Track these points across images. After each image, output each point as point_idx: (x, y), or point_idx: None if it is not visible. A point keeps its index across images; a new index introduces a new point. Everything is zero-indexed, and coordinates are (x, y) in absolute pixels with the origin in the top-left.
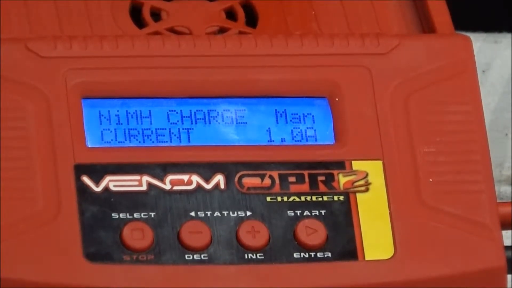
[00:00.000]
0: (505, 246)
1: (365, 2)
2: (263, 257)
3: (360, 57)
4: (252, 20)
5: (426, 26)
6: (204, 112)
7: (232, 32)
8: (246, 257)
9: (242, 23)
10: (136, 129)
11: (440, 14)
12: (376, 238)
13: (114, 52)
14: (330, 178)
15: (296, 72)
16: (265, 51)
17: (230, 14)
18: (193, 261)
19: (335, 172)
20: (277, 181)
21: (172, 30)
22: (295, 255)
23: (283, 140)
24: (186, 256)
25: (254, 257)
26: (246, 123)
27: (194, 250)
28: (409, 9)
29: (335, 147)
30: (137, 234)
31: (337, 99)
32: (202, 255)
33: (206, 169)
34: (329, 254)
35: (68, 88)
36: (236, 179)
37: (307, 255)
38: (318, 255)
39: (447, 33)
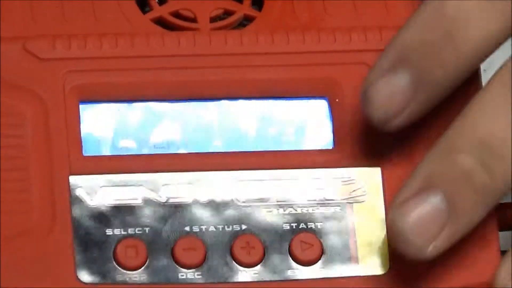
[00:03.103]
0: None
1: None
2: (257, 274)
3: (362, 54)
4: (258, 1)
5: None
6: (203, 115)
7: (237, 15)
8: (240, 274)
9: (248, 5)
10: (133, 134)
11: None
12: (372, 251)
13: (113, 53)
14: (328, 187)
15: (297, 72)
16: (266, 48)
17: None
18: (187, 280)
19: (332, 180)
20: (274, 191)
21: (176, 14)
22: (290, 272)
23: (281, 143)
24: (180, 274)
25: (248, 274)
26: (245, 126)
27: (188, 268)
28: (418, 1)
29: (333, 152)
30: (131, 252)
31: (337, 100)
32: (196, 274)
33: (202, 180)
34: (324, 271)
35: (66, 92)
36: (232, 190)
37: (302, 271)
38: (314, 271)
39: None
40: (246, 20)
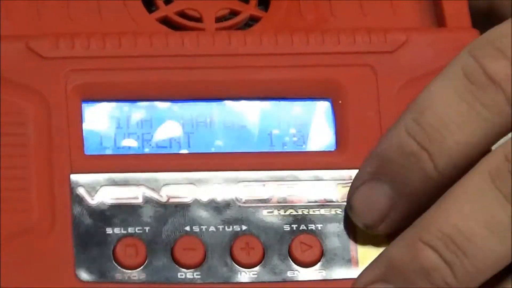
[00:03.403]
0: None
1: None
2: (256, 275)
3: (366, 55)
4: (264, 1)
5: (439, 19)
6: (205, 115)
7: (242, 15)
8: (239, 275)
9: (254, 5)
10: (136, 133)
11: (454, 6)
12: (372, 254)
13: (117, 52)
14: (328, 190)
15: (300, 73)
16: (269, 49)
17: None
18: (186, 280)
19: (334, 182)
20: (275, 192)
21: (182, 14)
22: (289, 273)
23: (284, 145)
24: (179, 274)
25: (248, 275)
26: (247, 126)
27: (187, 268)
28: (426, 1)
29: (335, 154)
30: (130, 251)
31: (340, 102)
32: (195, 273)
33: (204, 180)
34: (323, 272)
35: (68, 90)
36: (233, 191)
37: (301, 272)
38: (313, 272)
39: (457, 27)
40: (252, 21)
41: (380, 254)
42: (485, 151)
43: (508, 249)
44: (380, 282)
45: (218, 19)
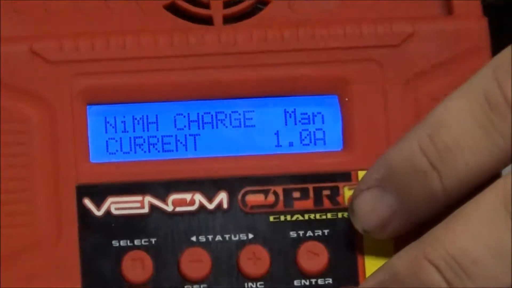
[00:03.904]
0: None
1: None
2: (263, 286)
3: (372, 50)
4: None
5: (447, 5)
6: (211, 115)
7: (250, 0)
8: (246, 286)
9: None
10: (142, 137)
11: None
12: (379, 261)
13: (121, 54)
14: (335, 192)
15: (306, 69)
16: (275, 46)
17: None
18: None
19: (340, 185)
20: (281, 197)
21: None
22: (296, 282)
23: (291, 144)
24: (186, 287)
25: (254, 286)
26: (254, 126)
27: (193, 281)
28: None
29: (342, 154)
30: (137, 265)
31: (347, 99)
32: (201, 286)
33: (210, 186)
34: (330, 281)
35: (73, 95)
36: (239, 197)
37: (307, 282)
38: (319, 281)
39: (465, 14)
40: (260, 4)
41: (385, 264)
42: (493, 176)
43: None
44: None
45: (226, 5)
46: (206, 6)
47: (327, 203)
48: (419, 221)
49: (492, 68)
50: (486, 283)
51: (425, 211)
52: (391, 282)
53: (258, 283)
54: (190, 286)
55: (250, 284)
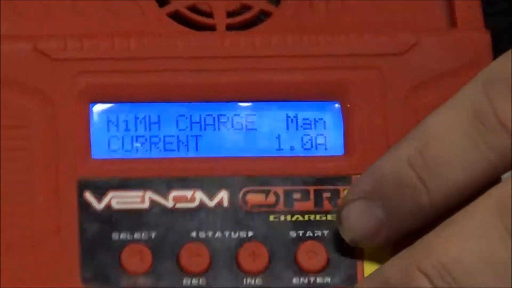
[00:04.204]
0: None
1: None
2: (262, 283)
3: (375, 58)
4: None
5: (451, 19)
6: (213, 117)
7: (253, 10)
8: (245, 282)
9: (265, 0)
10: (144, 136)
11: (467, 6)
12: (377, 262)
13: (126, 54)
14: (335, 195)
15: (309, 75)
16: (278, 51)
17: None
18: (191, 287)
19: (341, 188)
20: (282, 198)
21: (193, 8)
22: (294, 280)
23: (292, 148)
24: (184, 281)
25: (253, 282)
26: (256, 129)
27: (192, 275)
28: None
29: (343, 159)
30: (136, 257)
31: (348, 105)
32: (200, 280)
33: (211, 184)
34: (329, 279)
35: (76, 92)
36: (240, 195)
37: (306, 280)
38: (318, 280)
39: (468, 27)
40: (263, 15)
41: (377, 270)
42: (481, 190)
43: (504, 286)
44: None
45: (229, 14)
46: (210, 15)
47: (327, 205)
48: (407, 232)
49: (481, 81)
50: None
51: (413, 223)
52: None
53: (257, 279)
54: (188, 279)
55: (248, 279)
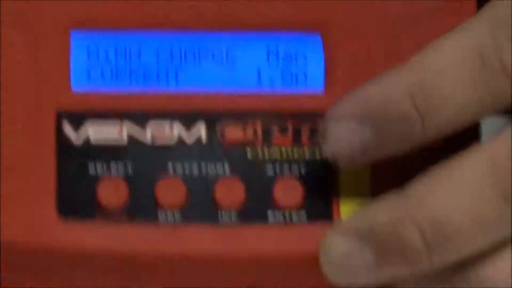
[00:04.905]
0: None
1: None
2: (237, 218)
3: None
4: None
5: None
6: (194, 49)
7: None
8: (220, 217)
9: None
10: (124, 67)
11: None
12: (354, 200)
13: None
14: (314, 132)
15: (291, 5)
16: None
17: None
18: (167, 221)
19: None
20: (260, 133)
21: None
22: (270, 216)
23: (272, 82)
24: (160, 215)
25: (228, 218)
26: (237, 61)
27: (168, 209)
28: None
29: (323, 96)
30: (112, 191)
31: (330, 37)
32: (175, 214)
33: (190, 119)
34: (304, 214)
35: (57, 19)
36: (218, 130)
37: (282, 216)
38: (293, 216)
39: None
40: None
41: (363, 211)
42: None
43: (487, 245)
44: (357, 240)
45: None
46: None
47: (305, 141)
48: (390, 156)
49: (490, 23)
50: (465, 251)
51: (398, 150)
52: (368, 232)
53: (232, 214)
54: (164, 213)
55: (223, 213)
